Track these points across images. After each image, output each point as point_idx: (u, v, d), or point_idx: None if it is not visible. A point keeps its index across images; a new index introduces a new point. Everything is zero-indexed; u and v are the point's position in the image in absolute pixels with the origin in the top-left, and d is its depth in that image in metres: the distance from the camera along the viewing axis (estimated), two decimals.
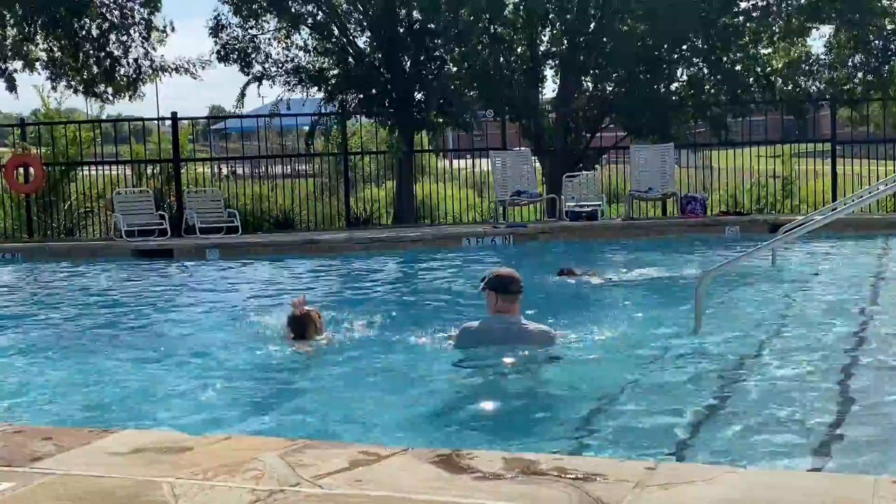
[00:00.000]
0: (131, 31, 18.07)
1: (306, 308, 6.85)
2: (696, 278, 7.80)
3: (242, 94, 17.98)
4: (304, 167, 20.43)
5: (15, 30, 17.90)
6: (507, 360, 5.97)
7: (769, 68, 18.66)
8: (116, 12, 17.96)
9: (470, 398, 5.34)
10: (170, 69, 18.50)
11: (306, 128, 18.68)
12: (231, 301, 10.21)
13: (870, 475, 2.85)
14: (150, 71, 18.40)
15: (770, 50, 19.27)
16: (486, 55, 17.82)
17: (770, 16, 18.25)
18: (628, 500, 2.55)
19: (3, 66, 18.16)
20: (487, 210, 18.50)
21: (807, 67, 19.29)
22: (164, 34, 18.32)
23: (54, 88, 18.31)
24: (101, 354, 7.14)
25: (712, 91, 18.27)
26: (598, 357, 6.36)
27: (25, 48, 18.03)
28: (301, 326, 6.77)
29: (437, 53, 17.60)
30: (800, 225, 9.69)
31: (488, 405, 5.25)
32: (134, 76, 18.18)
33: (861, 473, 3.50)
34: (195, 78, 18.71)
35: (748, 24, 18.13)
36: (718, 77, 18.04)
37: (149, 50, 18.19)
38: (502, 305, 6.14)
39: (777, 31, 18.67)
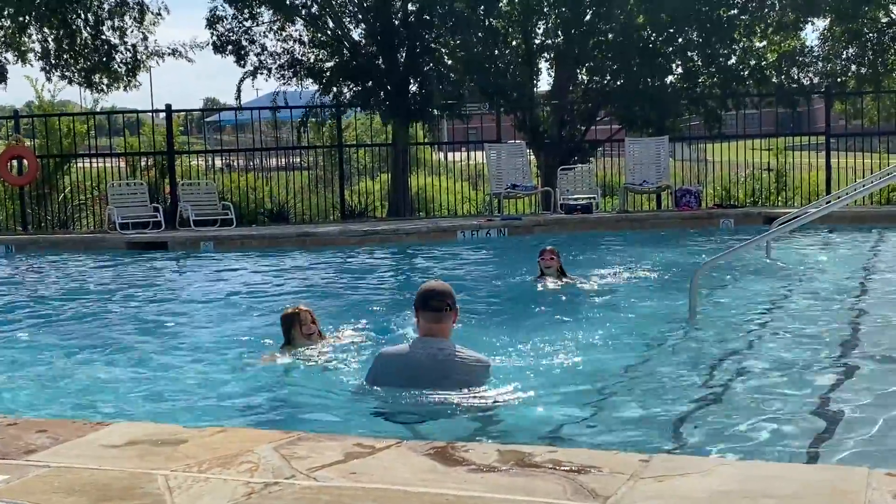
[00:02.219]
0: (126, 17, 18.02)
1: (301, 307, 6.52)
2: (691, 271, 7.81)
3: (239, 90, 17.96)
4: (298, 160, 20.41)
5: (9, 21, 17.84)
6: (430, 399, 4.89)
7: (764, 61, 18.67)
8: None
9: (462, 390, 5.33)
10: (165, 53, 18.49)
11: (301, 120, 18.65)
12: (225, 294, 10.19)
13: (864, 467, 2.85)
14: (146, 56, 18.36)
15: (764, 42, 19.27)
16: (481, 47, 17.79)
17: (765, 8, 18.24)
18: (622, 492, 2.55)
19: None
20: (482, 203, 18.50)
21: (801, 60, 19.29)
22: (159, 17, 18.29)
23: (49, 80, 18.28)
24: (94, 347, 7.13)
25: (707, 84, 18.27)
26: (593, 349, 6.37)
27: (19, 40, 17.96)
28: (286, 325, 6.40)
29: (432, 45, 17.57)
30: (794, 217, 9.70)
31: (483, 398, 5.24)
32: (130, 63, 18.14)
33: (855, 465, 3.51)
34: (190, 61, 18.72)
35: (743, 17, 18.12)
36: (713, 70, 18.04)
37: (145, 34, 18.17)
38: (424, 326, 5.10)
39: (771, 23, 18.67)
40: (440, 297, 5.07)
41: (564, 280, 9.06)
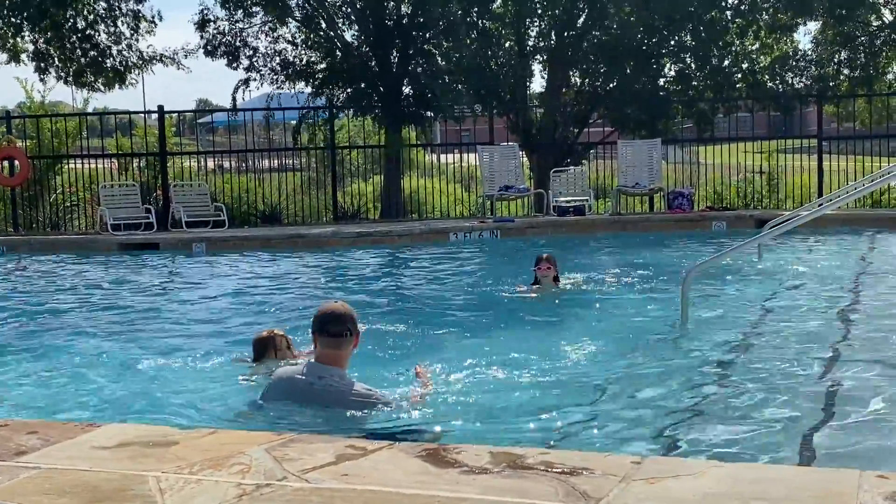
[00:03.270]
0: (118, 23, 18.01)
1: (276, 332, 6.13)
2: (682, 273, 7.82)
3: (234, 98, 17.93)
4: (291, 161, 20.39)
5: (1, 22, 17.80)
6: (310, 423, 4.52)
7: (756, 64, 18.72)
8: (103, 3, 17.88)
9: (457, 393, 5.34)
10: (156, 59, 18.47)
11: (294, 122, 18.64)
12: (216, 295, 10.18)
13: (855, 469, 2.86)
14: (138, 61, 18.35)
15: (757, 45, 19.32)
16: (475, 49, 17.81)
17: (757, 10, 18.29)
18: (614, 493, 2.55)
19: None
20: (475, 205, 18.51)
21: (793, 63, 19.35)
22: (153, 24, 18.28)
23: (42, 80, 18.25)
24: (85, 348, 7.11)
25: (699, 87, 18.32)
26: (585, 352, 6.37)
27: (12, 41, 17.93)
28: (259, 350, 6.05)
29: (425, 47, 17.57)
30: (786, 220, 9.72)
31: (476, 399, 5.25)
32: (121, 67, 18.12)
33: (847, 467, 3.52)
34: (181, 68, 18.72)
35: (736, 20, 18.17)
36: (705, 73, 18.09)
37: (137, 40, 18.17)
38: (321, 352, 4.73)
39: (764, 26, 18.72)
40: (340, 322, 4.68)
41: (558, 286, 8.94)
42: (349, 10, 17.87)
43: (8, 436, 3.34)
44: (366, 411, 4.61)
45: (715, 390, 5.36)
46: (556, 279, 8.91)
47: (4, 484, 2.81)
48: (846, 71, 19.52)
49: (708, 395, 5.25)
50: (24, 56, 18.16)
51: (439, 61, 17.95)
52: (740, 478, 2.77)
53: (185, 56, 18.47)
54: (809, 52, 19.76)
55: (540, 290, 8.80)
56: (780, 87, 18.70)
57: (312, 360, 4.83)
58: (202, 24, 17.54)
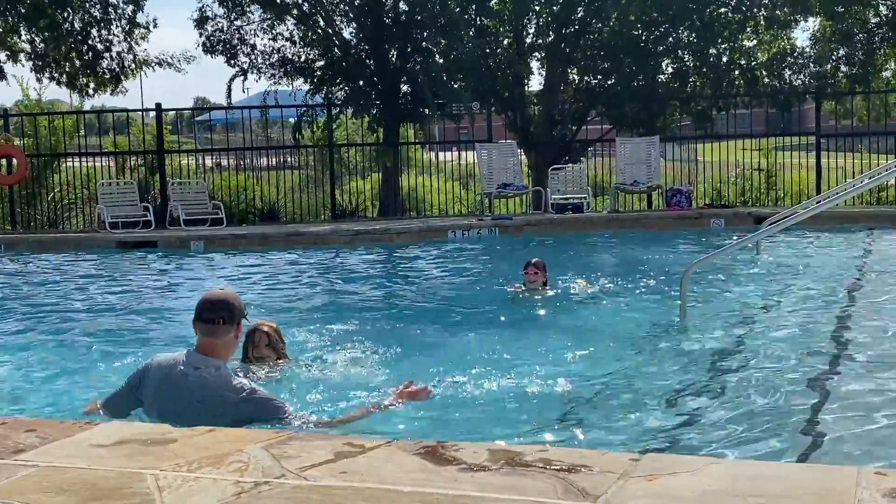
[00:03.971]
0: (113, 27, 17.98)
1: (263, 326, 5.83)
2: (681, 270, 7.82)
3: (229, 90, 17.92)
4: (289, 159, 20.38)
5: None
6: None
7: (754, 61, 18.72)
8: (99, 6, 17.86)
9: (454, 390, 5.34)
10: (153, 63, 18.46)
11: (292, 119, 18.62)
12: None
13: (853, 466, 2.86)
14: (133, 66, 18.33)
15: (755, 42, 19.32)
16: (473, 47, 17.80)
17: (756, 7, 18.28)
18: (612, 491, 2.55)
19: None
20: (473, 203, 18.50)
21: (791, 61, 19.34)
22: (147, 31, 18.26)
23: (39, 80, 18.24)
24: (83, 346, 7.11)
25: (697, 84, 18.31)
26: (583, 349, 6.37)
27: (10, 39, 17.91)
28: (245, 341, 5.64)
29: (423, 45, 17.56)
30: (785, 217, 9.73)
31: (472, 397, 5.24)
32: (116, 70, 18.10)
33: (845, 464, 3.52)
34: (179, 72, 18.70)
35: (733, 16, 18.16)
36: (704, 70, 18.08)
37: (132, 44, 18.13)
38: (199, 341, 4.42)
39: (762, 22, 18.71)
40: (213, 309, 4.38)
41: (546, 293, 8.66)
42: (347, 7, 17.85)
43: (6, 434, 3.34)
44: (246, 410, 4.23)
45: (713, 387, 5.36)
46: (545, 285, 8.65)
47: (3, 482, 2.81)
48: (844, 68, 19.50)
49: (706, 393, 5.25)
50: (21, 56, 18.13)
51: (437, 59, 17.94)
52: (738, 475, 2.77)
53: (187, 62, 18.49)
54: (807, 50, 19.75)
55: (532, 292, 8.63)
56: (779, 84, 18.69)
57: (189, 349, 4.46)
58: (201, 22, 17.52)
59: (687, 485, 2.61)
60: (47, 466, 2.94)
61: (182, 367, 4.34)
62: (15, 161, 16.61)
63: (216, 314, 4.36)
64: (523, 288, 8.75)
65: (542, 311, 8.04)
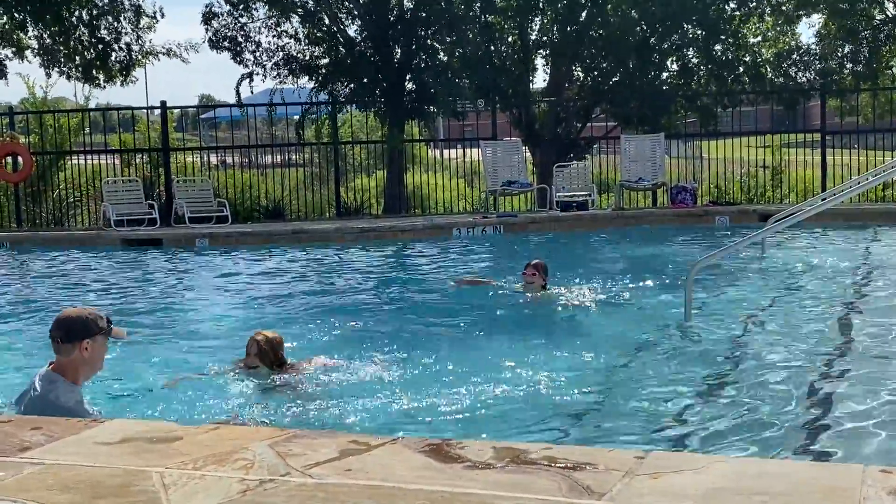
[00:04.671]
0: (121, 18, 18.02)
1: (257, 336, 6.00)
2: (686, 268, 7.81)
3: (238, 92, 17.91)
4: (294, 156, 20.38)
5: (5, 18, 17.81)
6: None
7: (759, 58, 18.69)
8: None
9: (459, 388, 5.34)
10: (159, 53, 18.49)
11: (297, 117, 18.62)
12: (218, 291, 10.19)
13: (858, 464, 2.85)
14: (141, 56, 18.37)
15: (760, 39, 19.28)
16: (477, 44, 17.78)
17: (760, 3, 18.25)
18: (617, 488, 2.55)
19: None
20: (478, 200, 18.49)
21: (797, 58, 19.31)
22: (154, 20, 18.30)
23: (48, 75, 18.27)
24: None
25: (703, 81, 18.28)
26: (588, 347, 6.37)
27: (16, 36, 17.94)
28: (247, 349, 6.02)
29: (428, 42, 17.55)
30: (790, 215, 9.71)
31: (477, 395, 5.25)
32: (125, 61, 18.13)
33: (850, 462, 3.52)
34: (185, 62, 18.73)
35: (738, 13, 18.13)
36: (709, 67, 18.05)
37: (139, 35, 18.16)
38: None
39: (768, 19, 18.68)
40: (53, 327, 4.36)
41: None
42: (352, 5, 17.84)
43: (12, 432, 3.34)
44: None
45: (718, 386, 5.36)
46: (544, 287, 8.52)
47: (8, 480, 2.81)
48: (850, 65, 19.47)
49: (711, 391, 5.25)
50: (28, 52, 18.16)
51: (442, 56, 17.93)
52: (743, 473, 2.76)
53: (191, 50, 18.51)
54: (813, 47, 19.72)
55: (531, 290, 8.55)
56: (784, 81, 18.66)
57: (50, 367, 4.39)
58: (208, 18, 17.55)
59: (692, 483, 2.61)
60: (53, 464, 2.94)
61: (35, 384, 4.31)
62: (20, 159, 16.63)
63: (53, 332, 4.34)
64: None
65: (546, 311, 8.04)
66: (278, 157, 20.37)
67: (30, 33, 18.08)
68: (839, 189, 12.08)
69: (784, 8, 18.32)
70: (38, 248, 14.02)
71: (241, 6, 17.51)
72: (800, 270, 9.95)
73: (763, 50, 19.08)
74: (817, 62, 19.41)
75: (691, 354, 6.19)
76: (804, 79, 19.24)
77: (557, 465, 2.73)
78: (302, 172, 19.15)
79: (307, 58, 18.01)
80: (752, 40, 18.92)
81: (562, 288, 8.71)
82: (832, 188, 14.51)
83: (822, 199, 11.24)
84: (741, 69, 18.16)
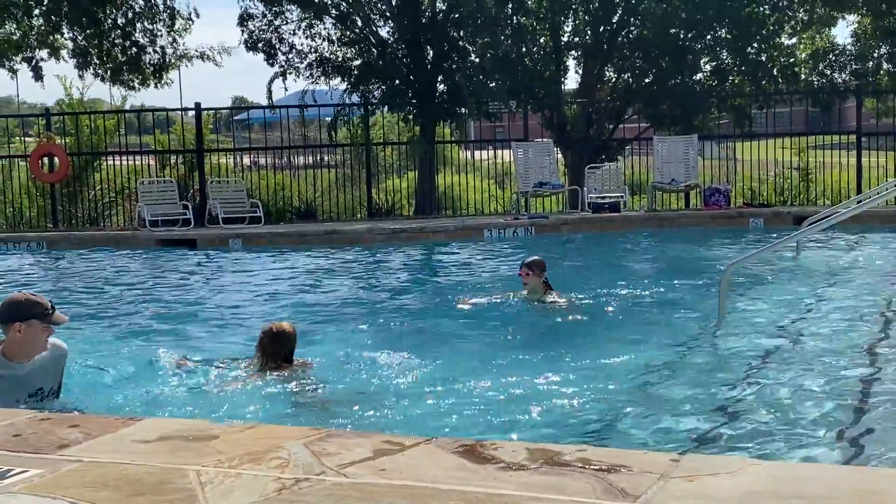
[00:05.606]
0: (156, 20, 18.19)
1: (262, 330, 5.95)
2: (720, 270, 7.76)
3: (270, 91, 18.04)
4: (326, 157, 20.47)
5: (41, 20, 18.04)
6: None
7: (794, 59, 18.52)
8: (140, 1, 18.09)
9: (490, 389, 5.34)
10: (193, 56, 18.65)
11: (328, 118, 18.70)
12: (252, 291, 10.25)
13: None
14: (174, 59, 18.53)
15: (795, 40, 19.11)
16: (509, 45, 17.77)
17: (795, 4, 18.09)
18: (653, 491, 2.54)
19: (30, 56, 18.31)
20: (509, 201, 18.48)
21: (832, 58, 19.12)
22: (189, 22, 18.46)
23: (81, 77, 18.48)
24: (124, 343, 7.19)
25: (736, 82, 18.14)
26: (621, 349, 6.35)
27: (51, 38, 18.16)
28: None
29: (460, 44, 17.56)
30: (825, 217, 9.62)
31: (510, 396, 5.25)
32: (159, 64, 18.31)
33: (887, 467, 3.48)
34: (217, 65, 18.89)
35: (773, 14, 17.98)
36: (743, 68, 17.92)
37: (175, 38, 18.34)
38: None
39: (803, 19, 18.50)
40: None
41: (550, 300, 8.15)
42: (384, 7, 17.90)
43: (50, 429, 3.38)
44: None
45: (753, 388, 5.32)
46: (546, 284, 8.26)
47: (47, 477, 2.85)
48: (887, 65, 19.24)
49: (746, 393, 5.21)
50: (63, 53, 18.38)
51: (474, 58, 17.93)
52: (780, 476, 2.74)
53: (224, 54, 18.67)
54: (849, 47, 19.51)
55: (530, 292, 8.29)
56: (819, 81, 18.47)
57: None
58: (244, 20, 17.69)
59: (727, 486, 2.59)
60: (91, 462, 2.97)
61: None
62: (57, 160, 16.84)
63: None
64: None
65: (578, 312, 8.01)
66: (310, 158, 20.47)
67: (65, 35, 18.30)
68: (875, 191, 11.94)
69: (819, 10, 18.12)
70: (74, 248, 14.17)
71: (275, 9, 17.62)
72: (835, 273, 9.86)
73: (798, 51, 18.89)
74: (853, 63, 19.19)
75: (725, 356, 6.15)
76: (840, 79, 19.03)
77: (591, 466, 2.73)
78: (334, 173, 19.23)
79: (340, 59, 18.09)
80: (786, 42, 18.76)
81: (574, 293, 8.62)
82: (868, 190, 14.36)
83: (858, 202, 11.12)
84: (775, 70, 18.01)
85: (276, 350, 5.79)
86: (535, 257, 8.48)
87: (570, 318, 7.71)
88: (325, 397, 5.47)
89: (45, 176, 16.94)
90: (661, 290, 8.93)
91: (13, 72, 18.86)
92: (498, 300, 8.47)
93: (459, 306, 8.32)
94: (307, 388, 5.56)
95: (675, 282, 9.34)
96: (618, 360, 6.03)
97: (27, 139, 20.65)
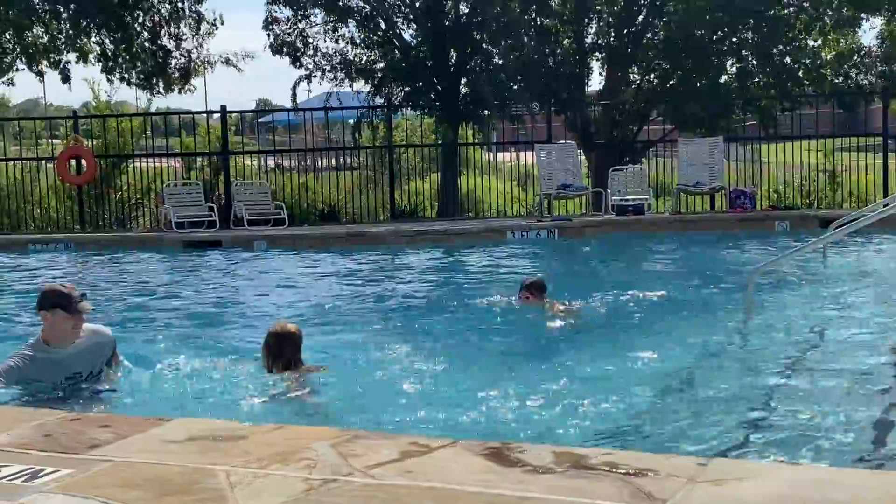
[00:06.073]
0: (182, 25, 18.34)
1: (277, 326, 5.92)
2: (746, 273, 7.73)
3: (294, 93, 18.14)
4: (349, 160, 20.54)
5: (69, 24, 18.22)
6: None
7: (819, 61, 18.40)
8: (167, 5, 18.23)
9: (516, 392, 5.34)
10: (216, 62, 18.79)
11: (352, 121, 18.77)
12: (277, 293, 10.30)
13: None
14: (199, 64, 18.67)
15: (820, 42, 18.98)
16: (533, 47, 17.77)
17: (820, 7, 17.97)
18: (680, 495, 2.54)
19: (59, 59, 18.49)
20: (532, 203, 18.47)
21: (858, 60, 18.97)
22: (214, 27, 18.59)
23: (109, 81, 18.65)
24: (153, 343, 7.24)
25: (761, 84, 18.05)
26: (647, 352, 6.33)
27: (80, 42, 18.33)
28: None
29: (483, 46, 17.58)
30: (852, 220, 9.55)
31: (535, 399, 5.25)
32: (184, 69, 18.45)
33: None
34: (239, 70, 19.03)
35: (799, 16, 17.88)
36: (768, 70, 17.82)
37: (201, 42, 18.49)
38: None
39: (828, 21, 18.38)
40: None
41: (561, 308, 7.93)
42: (408, 9, 17.95)
43: (81, 429, 3.42)
44: None
45: (779, 392, 5.30)
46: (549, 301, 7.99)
47: (78, 477, 2.88)
48: None
49: (772, 397, 5.20)
50: (91, 56, 18.54)
51: (497, 60, 17.94)
52: (806, 481, 2.74)
53: (247, 59, 18.83)
54: (875, 49, 19.36)
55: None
56: (845, 83, 18.34)
57: None
58: (269, 24, 17.80)
59: (755, 491, 2.59)
60: (121, 461, 3.01)
61: None
62: (84, 162, 16.98)
63: None
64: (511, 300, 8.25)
65: (604, 314, 8.00)
66: (334, 160, 20.54)
67: (93, 39, 18.46)
68: None
69: (845, 11, 17.98)
70: (101, 250, 14.29)
71: (300, 12, 17.71)
72: (862, 277, 9.79)
73: (824, 53, 18.77)
74: (879, 64, 19.04)
75: (751, 361, 6.12)
76: (865, 81, 18.88)
77: (618, 470, 2.73)
78: (357, 175, 19.29)
79: (363, 62, 18.16)
80: (811, 43, 18.63)
81: (595, 297, 8.57)
82: (895, 193, 14.24)
83: (885, 205, 11.04)
84: (801, 72, 17.90)
85: (280, 351, 5.76)
86: (535, 278, 8.16)
87: (593, 321, 7.69)
88: (332, 398, 5.48)
89: (73, 178, 17.09)
90: (687, 293, 8.90)
91: (41, 75, 19.07)
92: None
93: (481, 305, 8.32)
94: (311, 389, 5.59)
95: (701, 285, 9.31)
96: (642, 364, 6.02)
97: (54, 141, 20.83)
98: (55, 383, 5.27)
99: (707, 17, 17.35)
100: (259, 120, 29.57)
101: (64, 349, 5.37)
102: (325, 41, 18.03)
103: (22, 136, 19.58)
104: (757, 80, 18.09)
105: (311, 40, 17.93)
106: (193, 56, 18.58)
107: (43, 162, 18.68)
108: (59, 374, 5.33)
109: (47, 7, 17.88)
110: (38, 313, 5.45)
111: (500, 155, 23.60)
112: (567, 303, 8.09)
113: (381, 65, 18.17)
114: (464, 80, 17.59)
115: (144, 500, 2.67)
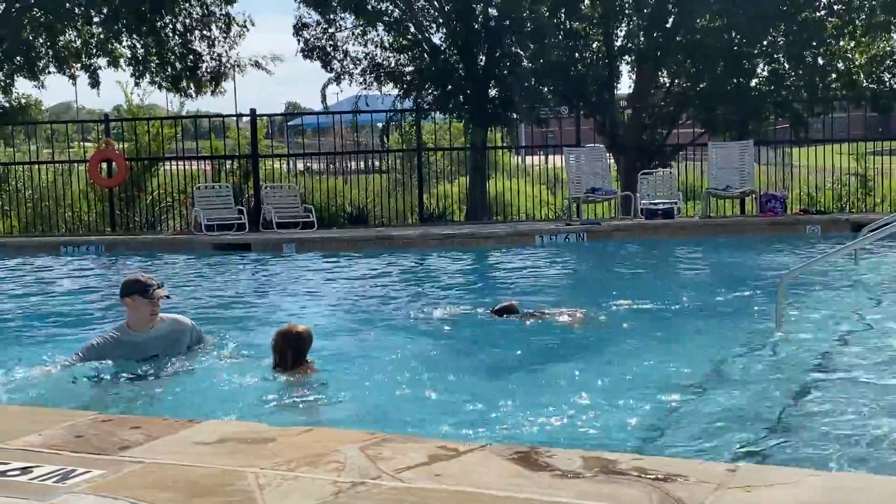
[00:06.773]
0: (212, 27, 18.48)
1: (288, 327, 6.01)
2: (776, 278, 7.67)
3: (324, 96, 18.23)
4: (378, 163, 20.59)
5: (101, 28, 18.41)
6: None
7: (852, 64, 18.22)
8: (198, 8, 18.37)
9: (542, 396, 5.33)
10: (246, 65, 18.94)
11: (380, 124, 18.83)
12: (306, 295, 10.35)
13: None
14: (229, 67, 18.81)
15: (853, 45, 18.80)
16: (562, 50, 17.72)
17: (853, 11, 17.81)
18: (710, 501, 2.53)
19: (88, 63, 18.69)
20: (561, 207, 18.42)
21: (891, 63, 18.77)
22: (245, 29, 18.72)
23: (138, 84, 18.83)
24: None
25: (793, 87, 17.90)
26: (678, 357, 6.30)
27: (110, 45, 18.52)
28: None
29: (512, 49, 17.57)
30: (885, 224, 9.44)
31: (563, 403, 5.23)
32: (215, 71, 18.59)
33: None
34: (269, 73, 19.17)
35: (830, 19, 17.72)
36: (799, 73, 17.67)
37: (232, 45, 18.63)
38: None
39: (860, 24, 18.20)
40: None
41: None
42: (437, 13, 17.98)
43: (112, 431, 3.46)
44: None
45: (810, 398, 5.26)
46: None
47: (110, 478, 2.91)
48: None
49: (802, 403, 5.15)
50: (121, 61, 18.72)
51: (526, 63, 17.91)
52: (837, 487, 2.72)
53: (277, 62, 18.96)
54: None
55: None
56: (878, 87, 18.15)
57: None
58: (299, 29, 17.90)
59: (785, 497, 2.57)
60: (152, 463, 3.04)
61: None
62: (115, 165, 17.15)
63: None
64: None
65: (632, 318, 7.97)
66: (362, 163, 20.60)
67: (124, 43, 18.64)
68: None
69: (877, 16, 17.79)
70: (132, 252, 14.41)
71: (330, 16, 17.78)
72: (893, 282, 9.68)
73: (856, 56, 18.58)
74: None
75: (782, 365, 6.07)
76: None
77: (648, 475, 2.72)
78: (385, 178, 19.33)
79: (392, 65, 18.21)
80: (845, 47, 18.45)
81: (627, 301, 8.51)
82: None
83: None
84: (833, 75, 17.74)
85: (283, 351, 5.79)
86: (508, 302, 7.96)
87: (620, 326, 7.66)
88: (340, 400, 5.49)
89: (104, 181, 17.26)
90: (717, 297, 8.84)
91: (73, 78, 19.29)
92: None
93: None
94: (314, 390, 5.61)
95: (731, 289, 9.22)
96: (672, 368, 5.99)
97: (86, 144, 21.04)
98: (137, 363, 5.87)
99: (737, 21, 17.23)
100: (288, 123, 29.70)
101: (143, 333, 5.99)
102: (355, 45, 18.11)
103: (54, 138, 19.75)
104: (788, 83, 17.93)
105: (340, 44, 18.00)
106: (223, 59, 18.72)
107: (75, 165, 18.86)
108: (138, 354, 5.91)
109: (81, 11, 18.06)
110: (121, 300, 6.05)
111: (528, 158, 23.57)
112: (573, 310, 8.06)
113: (411, 68, 18.21)
114: (492, 84, 17.58)
115: (174, 502, 2.69)
